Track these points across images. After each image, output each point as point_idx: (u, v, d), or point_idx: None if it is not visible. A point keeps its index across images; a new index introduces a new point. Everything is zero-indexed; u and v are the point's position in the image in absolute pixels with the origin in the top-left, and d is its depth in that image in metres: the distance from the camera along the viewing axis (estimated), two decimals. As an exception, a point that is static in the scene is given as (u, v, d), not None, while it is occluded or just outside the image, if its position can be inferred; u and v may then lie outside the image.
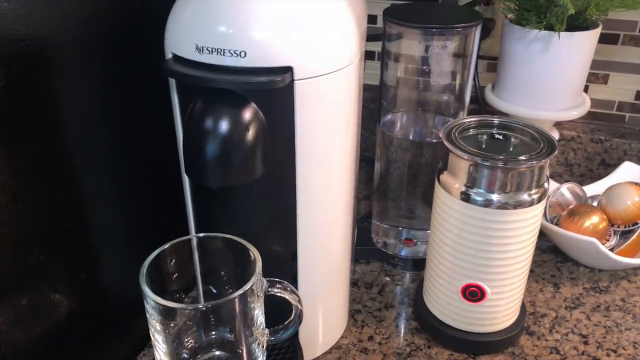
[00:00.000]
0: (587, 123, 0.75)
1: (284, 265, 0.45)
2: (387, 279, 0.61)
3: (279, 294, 0.41)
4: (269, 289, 0.41)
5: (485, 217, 0.45)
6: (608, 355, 0.51)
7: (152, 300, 0.37)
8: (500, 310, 0.49)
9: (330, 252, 0.47)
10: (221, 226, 0.42)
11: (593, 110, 0.75)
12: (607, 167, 0.74)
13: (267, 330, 0.43)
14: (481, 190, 0.44)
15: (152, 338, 0.41)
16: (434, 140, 0.57)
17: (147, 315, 0.40)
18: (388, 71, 0.58)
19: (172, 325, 0.41)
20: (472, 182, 0.45)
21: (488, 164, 0.43)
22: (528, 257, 0.48)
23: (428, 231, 0.61)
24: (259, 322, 0.41)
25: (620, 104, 0.74)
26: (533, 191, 0.44)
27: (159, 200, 0.50)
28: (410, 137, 0.58)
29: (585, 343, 0.52)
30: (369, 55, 0.75)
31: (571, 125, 0.75)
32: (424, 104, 0.59)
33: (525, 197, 0.44)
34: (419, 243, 0.62)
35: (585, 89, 0.73)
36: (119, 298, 0.48)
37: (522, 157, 0.43)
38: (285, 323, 0.43)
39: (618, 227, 0.61)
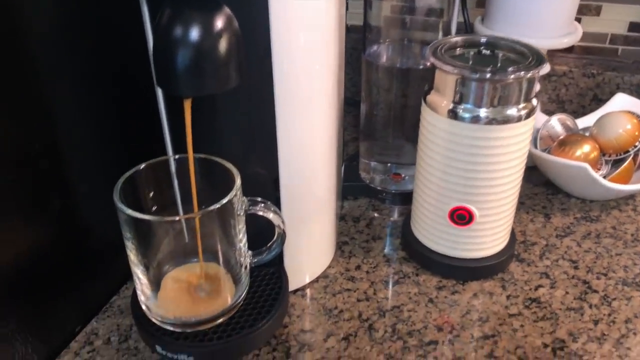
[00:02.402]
0: (580, 58, 0.74)
1: (265, 191, 0.43)
2: (375, 214, 0.59)
3: (260, 213, 0.40)
4: (251, 208, 0.39)
5: (473, 134, 0.43)
6: (598, 278, 0.50)
7: (125, 214, 0.35)
8: (489, 234, 0.49)
9: (313, 179, 0.45)
10: (200, 148, 0.40)
11: (585, 45, 0.74)
12: (600, 102, 0.72)
13: (250, 252, 0.42)
14: (469, 106, 0.43)
15: (132, 268, 0.40)
16: (421, 67, 0.55)
17: (125, 240, 0.38)
18: (372, 10, 0.56)
19: (150, 250, 0.40)
20: (459, 98, 0.43)
21: (476, 76, 0.42)
22: (517, 178, 0.47)
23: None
24: (241, 244, 0.40)
25: (613, 37, 0.73)
26: (521, 106, 0.43)
27: (134, 122, 0.48)
28: (397, 65, 0.56)
29: (576, 268, 0.52)
30: (354, -9, 0.72)
31: (563, 60, 0.73)
32: (409, 40, 0.57)
33: (513, 111, 0.43)
34: (407, 177, 0.61)
35: (578, 22, 0.71)
36: (97, 229, 0.46)
37: (511, 69, 0.42)
38: (268, 245, 0.42)
39: (609, 156, 0.60)
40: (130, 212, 0.35)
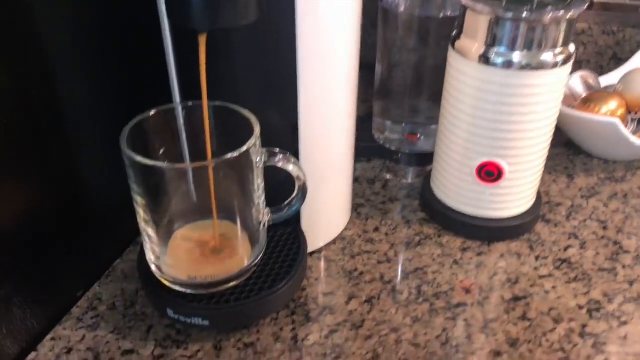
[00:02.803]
0: (599, 14, 0.70)
1: (283, 141, 0.40)
2: (390, 175, 0.56)
3: (280, 165, 0.36)
4: (269, 159, 0.36)
5: (505, 80, 0.40)
6: (629, 238, 0.48)
7: (134, 161, 0.32)
8: (517, 192, 0.46)
9: (333, 132, 0.42)
10: (213, 95, 0.37)
11: (605, 1, 0.70)
12: (619, 61, 0.69)
13: (268, 209, 0.39)
14: (502, 50, 0.40)
15: (140, 226, 0.36)
16: (441, 16, 0.51)
17: (133, 196, 0.35)
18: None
19: (161, 205, 0.36)
20: (492, 41, 0.40)
21: (510, 15, 0.38)
22: (549, 130, 0.44)
23: (432, 126, 0.57)
24: (260, 200, 0.37)
25: (635, -7, 0.69)
26: (558, 50, 0.40)
27: (139, 70, 0.44)
28: (416, 14, 0.52)
29: (605, 228, 0.49)
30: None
31: (581, 17, 0.70)
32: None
33: (549, 57, 0.40)
34: (422, 138, 0.58)
35: (598, -24, 0.68)
36: (100, 190, 0.43)
37: (549, 7, 0.39)
38: (288, 200, 0.39)
39: (636, 113, 0.57)
40: (140, 159, 0.32)
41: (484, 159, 0.44)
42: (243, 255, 0.38)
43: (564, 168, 0.57)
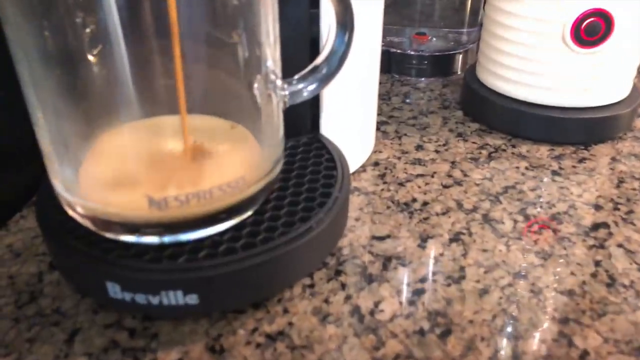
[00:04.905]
0: None
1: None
2: (407, 88, 0.40)
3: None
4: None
5: None
6: None
7: None
8: (622, 63, 0.31)
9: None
10: None
11: None
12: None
13: (282, 82, 0.21)
14: None
15: (37, 126, 0.18)
16: None
17: (17, 65, 0.17)
18: None
19: (78, 72, 0.18)
20: None
21: None
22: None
23: (445, 29, 0.43)
24: (272, 59, 0.19)
25: None
26: None
27: None
28: None
29: None
30: None
31: None
32: None
33: None
34: (434, 39, 0.42)
35: None
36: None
37: None
38: (326, 52, 0.21)
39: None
40: None
41: (586, 8, 0.29)
42: (250, 163, 0.20)
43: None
